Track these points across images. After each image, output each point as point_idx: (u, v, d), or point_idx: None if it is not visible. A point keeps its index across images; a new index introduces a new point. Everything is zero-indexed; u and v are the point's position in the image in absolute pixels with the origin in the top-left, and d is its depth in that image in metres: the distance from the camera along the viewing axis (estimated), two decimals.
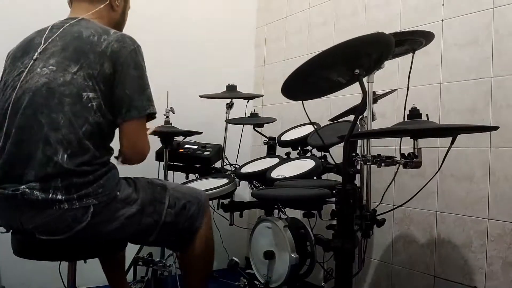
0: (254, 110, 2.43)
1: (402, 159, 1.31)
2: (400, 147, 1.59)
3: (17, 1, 2.21)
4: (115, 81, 1.26)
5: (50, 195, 1.17)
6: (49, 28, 1.33)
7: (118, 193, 1.28)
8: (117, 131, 1.34)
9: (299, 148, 2.17)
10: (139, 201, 1.33)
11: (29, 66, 1.26)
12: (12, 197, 1.18)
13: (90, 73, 1.23)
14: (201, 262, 1.51)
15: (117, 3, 1.45)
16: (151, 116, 1.33)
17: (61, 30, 1.30)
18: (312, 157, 2.02)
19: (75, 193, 1.19)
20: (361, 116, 1.63)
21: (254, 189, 2.19)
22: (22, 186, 1.18)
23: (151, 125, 1.71)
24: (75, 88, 1.22)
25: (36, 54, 1.28)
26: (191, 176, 2.34)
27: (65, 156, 1.19)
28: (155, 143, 2.20)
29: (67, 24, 1.32)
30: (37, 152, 1.18)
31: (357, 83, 1.33)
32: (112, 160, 1.35)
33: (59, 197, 1.18)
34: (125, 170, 1.42)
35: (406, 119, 1.37)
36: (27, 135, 1.20)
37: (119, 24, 1.48)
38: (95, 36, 1.28)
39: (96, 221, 1.23)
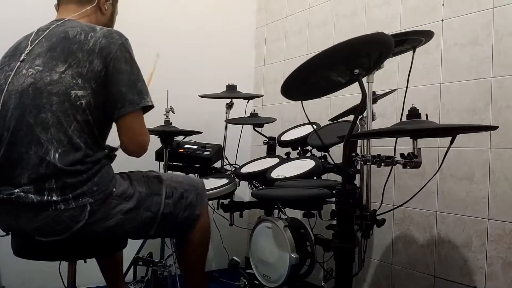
0: (254, 110, 2.43)
1: (402, 159, 1.31)
2: (395, 147, 1.59)
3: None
4: (107, 77, 1.25)
5: (46, 197, 1.17)
6: (35, 32, 1.33)
7: (114, 189, 1.28)
8: (113, 130, 1.34)
9: (299, 148, 2.17)
10: (136, 196, 1.33)
11: (15, 69, 1.26)
12: (7, 201, 1.19)
13: (79, 71, 1.23)
14: (199, 249, 1.51)
15: (106, 7, 1.45)
16: (148, 108, 1.32)
17: (47, 32, 1.31)
18: (312, 157, 2.01)
19: (70, 193, 1.19)
20: (361, 116, 1.63)
21: (254, 189, 2.19)
22: (16, 190, 1.17)
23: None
24: (63, 87, 1.21)
25: (22, 56, 1.28)
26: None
27: (57, 155, 1.18)
28: (155, 143, 2.20)
29: (53, 26, 1.32)
30: (28, 153, 1.18)
31: (357, 83, 1.33)
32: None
33: (54, 198, 1.17)
34: (122, 168, 1.42)
35: (405, 119, 1.37)
36: (17, 137, 1.20)
37: (107, 27, 1.47)
38: (82, 34, 1.27)
39: (94, 219, 1.23)
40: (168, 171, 2.25)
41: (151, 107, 1.33)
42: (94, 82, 1.24)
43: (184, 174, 2.33)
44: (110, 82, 1.26)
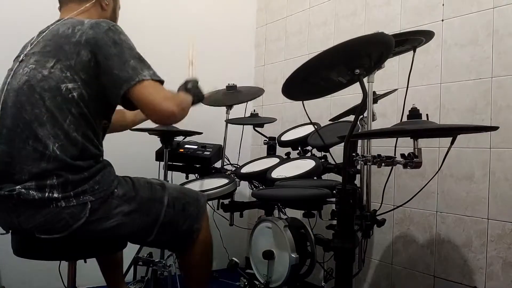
0: (254, 110, 2.43)
1: (402, 159, 1.31)
2: (395, 147, 1.59)
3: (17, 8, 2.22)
4: (98, 67, 1.24)
5: (47, 194, 1.17)
6: (37, 34, 1.36)
7: (115, 190, 1.28)
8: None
9: (299, 148, 2.17)
10: (137, 199, 1.33)
11: (14, 69, 1.30)
12: (8, 198, 1.19)
13: (67, 64, 1.23)
14: (200, 264, 1.51)
15: (106, 2, 1.45)
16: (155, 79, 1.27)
17: (45, 32, 1.33)
18: (312, 157, 2.01)
19: (71, 190, 1.19)
20: (362, 116, 1.63)
21: (254, 189, 2.19)
22: (18, 187, 1.18)
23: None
24: (54, 82, 1.22)
25: (21, 57, 1.31)
26: (191, 176, 2.34)
27: (55, 149, 1.19)
28: (155, 143, 2.21)
29: (52, 26, 1.34)
30: (26, 149, 1.19)
31: (357, 83, 1.33)
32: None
33: (55, 195, 1.18)
34: (124, 171, 1.42)
35: (406, 119, 1.37)
36: (15, 134, 1.21)
37: None
38: (70, 28, 1.28)
39: (94, 218, 1.23)
40: (169, 172, 2.25)
41: (153, 78, 1.27)
42: (84, 73, 1.24)
43: (186, 177, 2.34)
44: (103, 71, 1.24)
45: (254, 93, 2.43)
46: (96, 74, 1.25)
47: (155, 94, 1.25)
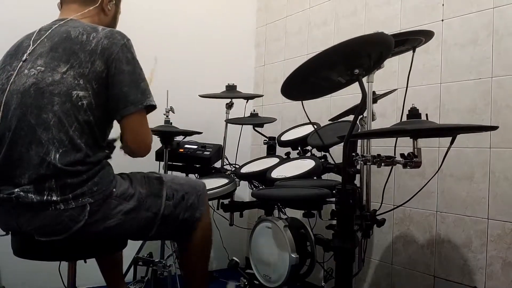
0: (254, 110, 2.43)
1: (402, 159, 1.31)
2: (395, 147, 1.59)
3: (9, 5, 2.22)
4: (109, 78, 1.25)
5: (45, 197, 1.17)
6: (37, 31, 1.33)
7: (114, 189, 1.28)
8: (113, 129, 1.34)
9: (299, 148, 2.17)
10: (136, 196, 1.33)
11: (17, 68, 1.26)
12: (7, 201, 1.18)
13: (81, 71, 1.22)
14: (200, 252, 1.52)
15: (109, 7, 1.45)
16: (151, 108, 1.32)
17: (49, 31, 1.31)
18: (312, 157, 2.01)
19: (70, 193, 1.19)
20: (361, 116, 1.63)
21: (254, 189, 2.19)
22: (17, 190, 1.17)
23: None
24: (65, 87, 1.21)
25: (24, 56, 1.27)
26: (191, 176, 2.34)
27: (57, 155, 1.18)
28: (155, 143, 2.19)
29: (55, 26, 1.32)
30: (29, 153, 1.18)
31: (357, 83, 1.33)
32: (113, 154, 1.34)
33: (54, 198, 1.17)
34: (122, 168, 1.42)
35: (405, 119, 1.37)
36: (18, 137, 1.20)
37: (109, 27, 1.47)
38: (84, 34, 1.27)
39: (94, 219, 1.23)
40: (169, 172, 2.25)
41: (154, 107, 1.32)
42: (96, 83, 1.24)
43: (186, 176, 2.34)
44: (112, 83, 1.26)
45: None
46: (106, 85, 1.26)
47: (147, 128, 1.34)
